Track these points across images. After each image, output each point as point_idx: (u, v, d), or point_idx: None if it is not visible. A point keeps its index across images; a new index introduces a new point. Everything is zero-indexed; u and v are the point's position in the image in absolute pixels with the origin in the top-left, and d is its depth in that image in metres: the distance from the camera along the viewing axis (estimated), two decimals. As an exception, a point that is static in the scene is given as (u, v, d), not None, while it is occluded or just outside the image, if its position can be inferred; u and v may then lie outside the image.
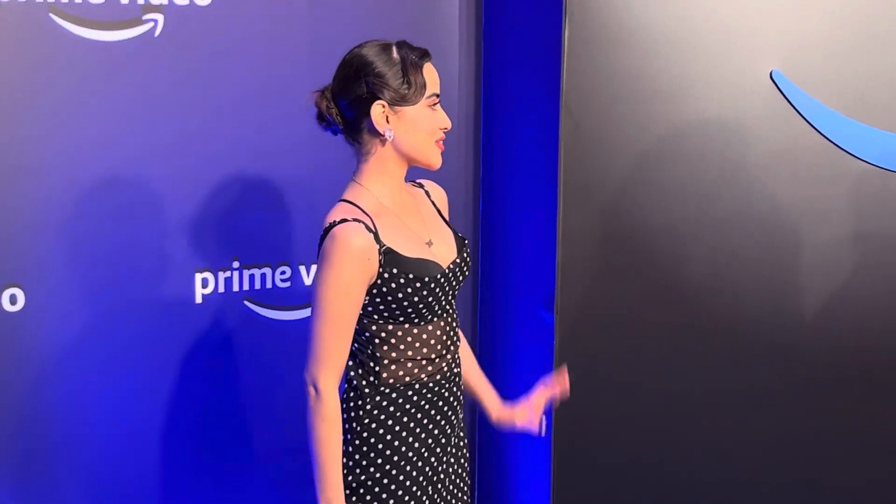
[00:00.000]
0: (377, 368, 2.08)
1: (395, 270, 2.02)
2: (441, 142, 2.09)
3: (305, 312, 3.05)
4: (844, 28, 2.99)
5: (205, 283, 2.90)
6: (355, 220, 2.01)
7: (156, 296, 2.81)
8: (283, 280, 3.05)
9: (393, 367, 2.09)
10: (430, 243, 2.14)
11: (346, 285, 1.99)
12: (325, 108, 2.10)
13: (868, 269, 3.13)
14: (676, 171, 2.95)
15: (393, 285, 2.03)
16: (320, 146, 2.86)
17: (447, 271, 2.11)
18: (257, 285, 2.98)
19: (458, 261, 2.15)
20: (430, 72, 2.06)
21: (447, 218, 2.27)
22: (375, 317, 2.07)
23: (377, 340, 2.08)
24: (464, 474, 2.28)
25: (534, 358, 3.07)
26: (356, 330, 2.10)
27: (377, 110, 2.03)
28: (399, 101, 2.03)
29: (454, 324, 2.18)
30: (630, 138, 2.90)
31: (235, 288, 2.94)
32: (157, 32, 2.70)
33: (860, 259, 3.12)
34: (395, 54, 2.04)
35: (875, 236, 3.12)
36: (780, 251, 3.08)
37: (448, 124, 2.08)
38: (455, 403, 2.21)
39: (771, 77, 2.96)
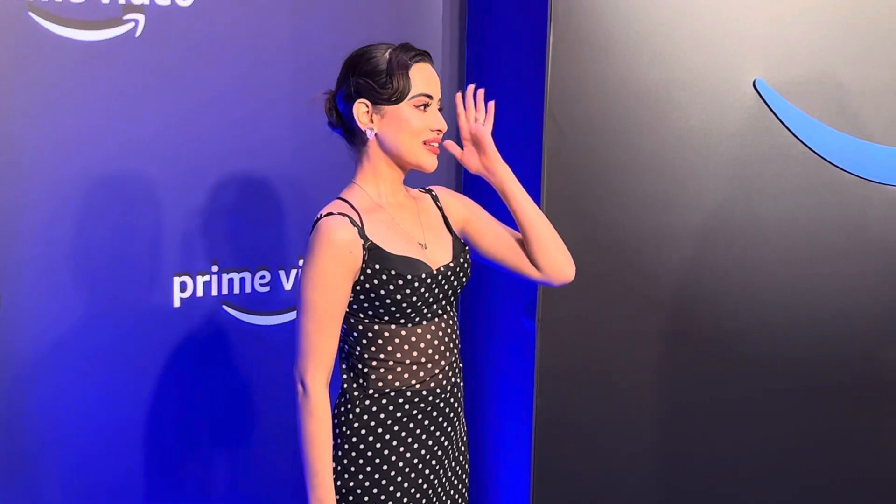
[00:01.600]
0: (365, 370, 2.06)
1: (377, 266, 2.01)
2: (434, 143, 2.07)
3: (285, 317, 3.05)
4: (828, 38, 3.03)
5: (183, 287, 2.87)
6: (341, 213, 2.01)
7: (133, 299, 2.79)
8: (262, 285, 3.03)
9: (381, 370, 2.06)
10: (423, 245, 2.12)
11: (327, 278, 1.98)
12: (326, 108, 2.12)
13: (850, 279, 3.17)
14: (660, 179, 2.97)
15: (376, 281, 2.01)
16: (303, 147, 2.93)
17: (436, 273, 2.08)
18: (236, 290, 2.96)
19: (451, 264, 2.12)
20: (420, 72, 2.06)
21: (457, 216, 2.24)
22: (361, 315, 2.05)
23: (364, 341, 2.06)
24: (463, 490, 2.26)
25: (515, 367, 3.07)
26: (345, 330, 2.08)
27: (359, 109, 2.05)
28: (382, 100, 2.03)
29: (451, 330, 2.13)
30: (615, 146, 2.91)
31: (214, 292, 2.93)
32: (139, 32, 2.69)
33: (842, 268, 3.16)
34: (385, 54, 2.05)
35: (857, 245, 3.14)
36: (762, 260, 3.10)
37: (440, 126, 2.06)
38: (453, 416, 2.17)
39: (754, 86, 2.99)
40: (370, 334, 2.06)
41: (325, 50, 2.88)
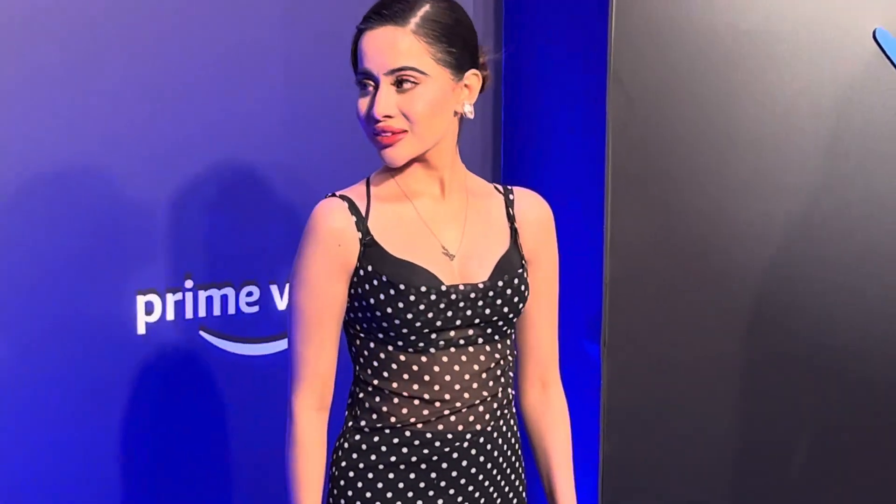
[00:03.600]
0: (360, 396, 2.01)
1: (370, 268, 1.93)
2: (382, 134, 1.93)
3: (278, 345, 2.96)
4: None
5: (149, 309, 2.78)
6: (343, 197, 1.96)
7: (85, 324, 2.70)
8: (249, 304, 2.94)
9: (377, 398, 1.99)
10: (449, 254, 2.00)
11: (312, 276, 1.94)
12: None
13: None
14: (754, 157, 2.89)
15: (367, 287, 1.94)
16: (298, 133, 2.90)
17: (447, 290, 1.95)
18: (216, 311, 2.89)
19: (481, 286, 1.99)
20: (365, 44, 1.93)
21: (530, 242, 2.10)
22: (357, 328, 1.99)
23: (361, 360, 2.01)
24: None
25: (575, 402, 2.84)
26: (350, 345, 2.05)
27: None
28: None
29: (491, 365, 2.02)
30: (696, 117, 2.86)
31: (188, 314, 2.85)
32: None
33: None
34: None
35: None
36: (887, 262, 3.01)
37: (376, 112, 1.92)
38: (481, 475, 2.03)
39: (874, 36, 2.88)
40: (366, 353, 2.00)
41: (322, 21, 2.88)
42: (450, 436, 1.98)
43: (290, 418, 1.98)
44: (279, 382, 2.80)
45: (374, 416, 1.99)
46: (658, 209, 2.85)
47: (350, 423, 2.02)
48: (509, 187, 2.13)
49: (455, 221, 2.04)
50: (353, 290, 1.96)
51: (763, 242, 2.92)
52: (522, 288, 2.05)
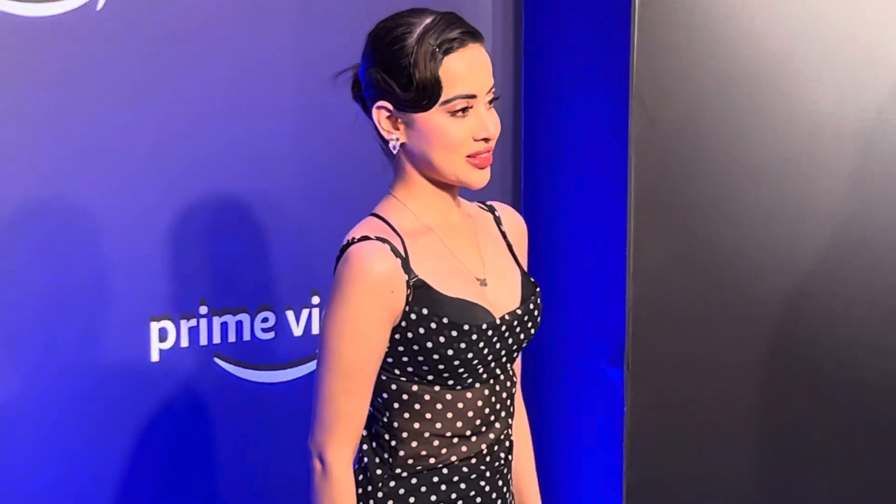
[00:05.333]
0: (393, 444, 1.95)
1: (425, 311, 1.89)
2: (482, 156, 1.91)
3: (294, 372, 2.95)
4: None
5: (163, 336, 2.76)
6: (379, 238, 1.89)
7: (98, 353, 2.68)
8: (264, 330, 2.91)
9: (414, 443, 1.95)
10: (483, 282, 1.98)
11: (360, 325, 1.87)
12: (353, 93, 2.01)
13: None
14: (779, 181, 2.88)
15: (421, 331, 1.89)
16: (314, 152, 2.88)
17: (499, 323, 1.95)
18: (231, 337, 2.87)
19: (519, 312, 1.99)
20: (459, 64, 1.88)
21: (521, 256, 2.13)
22: (397, 372, 1.93)
23: (396, 405, 1.95)
24: None
25: (598, 429, 2.96)
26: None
27: (380, 115, 1.92)
28: (405, 105, 1.89)
29: (507, 393, 2.03)
30: (720, 138, 2.84)
31: (203, 341, 2.83)
32: (100, 5, 2.60)
33: None
34: (413, 37, 1.87)
35: None
36: None
37: (487, 132, 1.89)
38: (499, 500, 2.04)
39: None
40: (405, 396, 1.95)
41: (338, 20, 2.88)
42: (482, 467, 2.00)
43: (326, 474, 1.93)
44: (295, 410, 2.85)
45: (411, 461, 1.97)
46: (681, 234, 2.84)
47: (379, 472, 1.98)
48: (488, 203, 2.14)
49: (471, 246, 2.03)
50: (398, 335, 1.92)
51: (788, 269, 2.90)
52: (541, 307, 2.08)
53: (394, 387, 1.95)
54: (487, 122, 1.89)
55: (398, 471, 1.96)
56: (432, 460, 1.96)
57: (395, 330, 1.92)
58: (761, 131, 2.83)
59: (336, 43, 2.78)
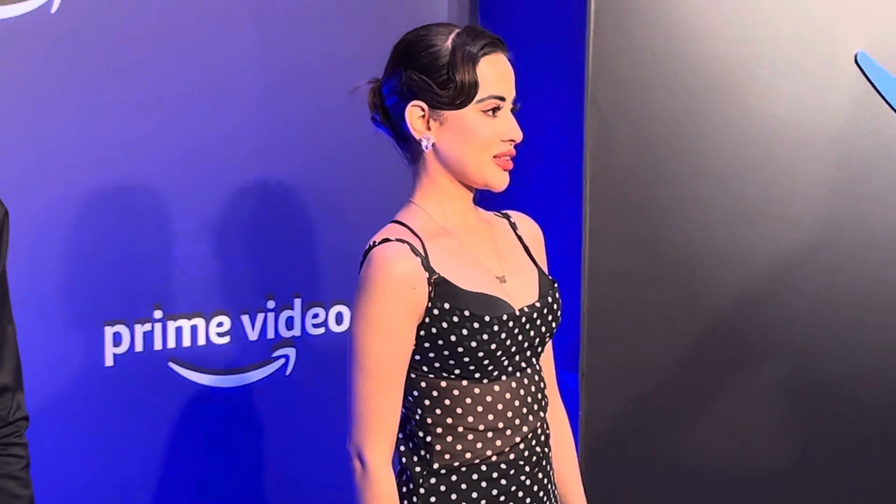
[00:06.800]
0: (428, 440, 1.99)
1: (447, 305, 1.93)
2: (506, 157, 2.00)
3: (250, 377, 2.90)
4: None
5: (117, 340, 2.73)
6: (399, 240, 1.95)
7: (51, 357, 2.63)
8: (220, 334, 2.87)
9: (448, 438, 1.98)
10: (502, 279, 2.04)
11: (388, 323, 1.92)
12: (371, 103, 2.06)
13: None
14: (738, 184, 2.87)
15: (445, 325, 1.93)
16: (271, 154, 2.84)
17: (519, 315, 2.00)
18: (186, 342, 2.83)
19: (538, 304, 2.05)
20: (491, 67, 1.98)
21: (539, 259, 2.18)
22: (425, 369, 1.97)
23: (427, 402, 1.99)
24: None
25: None
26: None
27: (413, 113, 1.98)
28: (441, 103, 1.96)
29: (535, 388, 2.07)
30: (678, 142, 2.83)
31: (158, 345, 2.79)
32: (55, 7, 2.56)
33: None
34: (447, 42, 1.97)
35: None
36: (877, 292, 2.97)
37: (514, 135, 1.99)
38: (542, 494, 2.08)
39: (856, 61, 2.85)
40: (435, 393, 1.99)
41: (300, 25, 2.85)
42: (521, 463, 2.02)
43: (366, 473, 1.96)
44: (251, 414, 2.85)
45: (448, 457, 1.99)
46: (638, 239, 2.83)
47: (418, 469, 2.01)
48: (503, 211, 2.20)
49: (490, 248, 2.07)
50: (423, 332, 1.97)
51: (747, 272, 2.89)
52: (560, 302, 2.12)
53: (423, 384, 1.97)
54: (515, 125, 1.98)
55: (437, 466, 1.98)
56: (468, 455, 1.98)
57: (420, 327, 1.95)
58: (719, 133, 2.83)
59: (298, 48, 2.83)
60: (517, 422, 2.04)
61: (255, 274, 2.87)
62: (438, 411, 2.00)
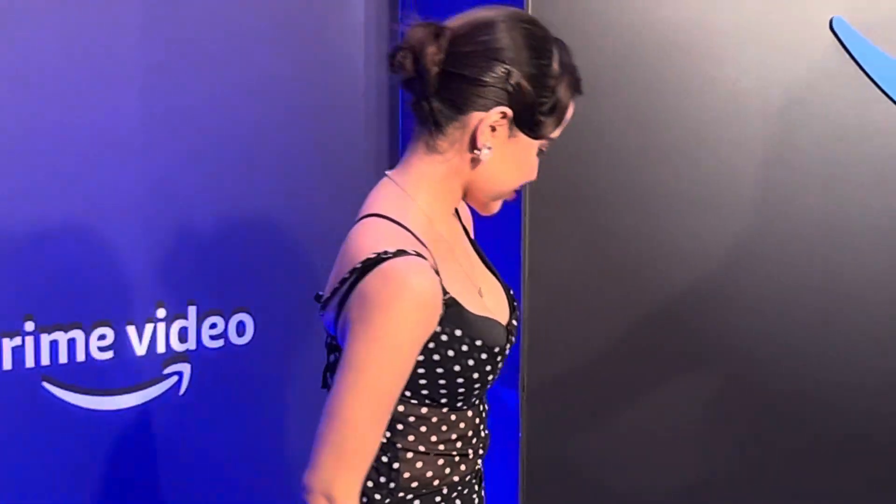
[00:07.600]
0: (395, 466, 1.95)
1: (458, 333, 1.88)
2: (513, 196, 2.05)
3: (136, 398, 2.79)
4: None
5: None
6: (417, 253, 1.86)
7: None
8: (101, 349, 2.75)
9: (418, 464, 1.95)
10: (480, 292, 2.01)
11: (406, 351, 1.85)
12: (429, 65, 1.88)
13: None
14: (694, 166, 2.81)
15: (451, 353, 1.88)
16: (157, 146, 2.74)
17: (508, 337, 2.02)
18: (62, 358, 2.71)
19: (514, 323, 2.06)
20: (570, 111, 1.97)
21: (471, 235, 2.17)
22: (408, 394, 1.93)
23: (400, 427, 1.95)
24: None
25: (492, 455, 2.70)
26: None
27: (493, 117, 1.88)
28: (526, 123, 1.88)
29: (484, 407, 2.08)
30: (626, 118, 2.78)
31: (29, 363, 2.67)
32: None
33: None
34: (556, 62, 1.89)
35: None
36: (853, 284, 2.93)
37: (534, 178, 2.02)
38: None
39: (831, 26, 2.80)
40: (412, 419, 1.95)
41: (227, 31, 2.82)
42: (474, 482, 2.04)
43: None
44: (140, 442, 2.79)
45: (415, 484, 1.97)
46: (580, 229, 2.77)
47: (378, 496, 1.96)
48: None
49: (465, 254, 2.07)
50: (422, 357, 1.90)
51: (706, 263, 2.83)
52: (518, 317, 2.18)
53: (401, 408, 1.93)
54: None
55: (401, 494, 1.95)
56: (436, 482, 1.97)
57: (421, 351, 1.93)
58: (673, 111, 2.76)
59: (186, 26, 2.73)
60: (474, 441, 2.03)
61: (143, 278, 2.75)
62: (412, 437, 1.96)
